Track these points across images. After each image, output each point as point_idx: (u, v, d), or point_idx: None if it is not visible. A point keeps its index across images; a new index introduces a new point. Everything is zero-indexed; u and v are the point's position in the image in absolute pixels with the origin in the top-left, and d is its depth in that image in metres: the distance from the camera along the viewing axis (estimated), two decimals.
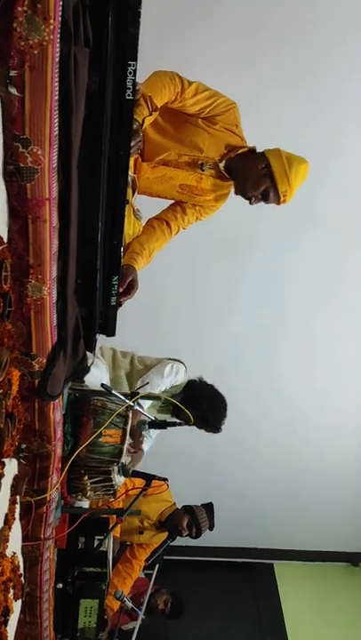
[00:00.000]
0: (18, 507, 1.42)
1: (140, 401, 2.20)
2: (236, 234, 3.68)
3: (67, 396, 1.73)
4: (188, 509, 3.27)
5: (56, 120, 0.98)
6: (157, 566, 2.78)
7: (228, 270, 3.93)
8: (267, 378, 4.34)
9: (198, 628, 4.33)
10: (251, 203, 2.20)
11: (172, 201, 2.33)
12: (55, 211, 1.10)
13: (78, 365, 1.52)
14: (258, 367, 4.29)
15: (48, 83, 0.93)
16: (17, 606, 1.45)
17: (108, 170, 1.28)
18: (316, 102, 3.37)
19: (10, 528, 1.34)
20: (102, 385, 1.88)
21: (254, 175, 2.13)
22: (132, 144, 1.64)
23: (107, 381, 2.56)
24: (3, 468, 1.20)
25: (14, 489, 1.37)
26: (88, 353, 1.56)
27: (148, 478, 2.18)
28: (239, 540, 4.97)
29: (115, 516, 2.04)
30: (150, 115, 1.92)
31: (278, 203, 2.19)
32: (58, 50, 0.92)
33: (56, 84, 0.94)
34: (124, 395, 1.90)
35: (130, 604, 2.46)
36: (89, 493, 1.85)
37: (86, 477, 1.82)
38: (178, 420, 2.35)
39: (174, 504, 3.36)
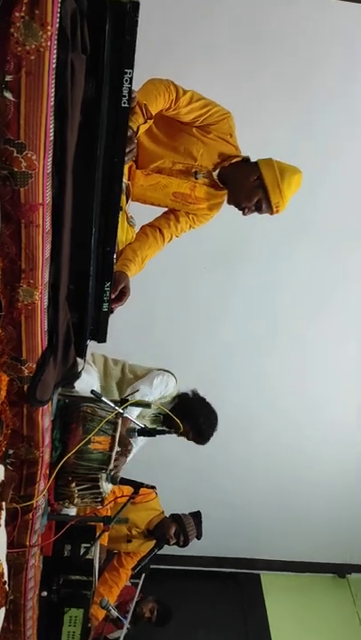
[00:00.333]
0: (4, 513, 1.41)
1: (129, 409, 2.19)
2: (228, 243, 3.69)
3: (56, 401, 1.72)
4: (175, 518, 3.26)
5: (51, 125, 0.98)
6: (144, 575, 2.76)
7: (220, 279, 3.94)
8: (258, 387, 4.34)
9: (184, 638, 4.30)
10: (244, 213, 2.21)
11: (166, 209, 2.34)
12: (48, 216, 1.10)
13: (68, 371, 1.52)
14: (249, 376, 4.30)
15: (44, 88, 0.93)
16: (0, 614, 1.44)
17: (102, 176, 1.28)
18: (312, 114, 3.41)
19: None
20: (92, 391, 1.87)
21: (247, 186, 2.14)
22: (127, 151, 1.64)
23: (97, 388, 2.55)
24: None
25: (0, 495, 1.36)
26: (78, 359, 1.55)
27: (137, 486, 2.17)
28: (226, 549, 4.95)
29: (102, 523, 2.03)
30: (145, 122, 1.93)
31: (271, 213, 2.20)
32: (55, 56, 0.92)
33: (52, 89, 0.95)
34: (113, 402, 1.89)
35: (115, 613, 2.44)
36: (76, 500, 1.84)
37: (74, 484, 1.81)
38: (167, 429, 2.34)
39: (162, 512, 3.35)
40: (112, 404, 1.86)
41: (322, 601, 5.11)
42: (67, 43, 0.95)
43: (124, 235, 2.13)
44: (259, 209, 2.18)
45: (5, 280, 1.13)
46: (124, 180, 1.98)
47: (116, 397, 2.75)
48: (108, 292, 1.53)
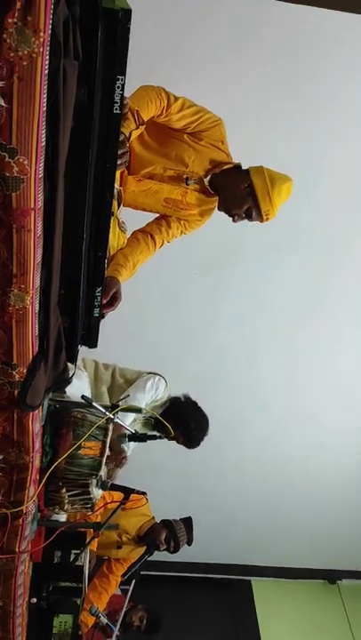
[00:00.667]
0: None
1: (122, 415, 2.19)
2: (219, 249, 3.71)
3: (47, 407, 1.71)
4: (166, 524, 3.25)
5: (43, 131, 0.99)
6: (134, 582, 2.75)
7: (211, 285, 3.95)
8: (249, 392, 4.35)
9: None
10: (234, 220, 2.22)
11: (158, 214, 2.34)
12: (40, 221, 1.10)
13: (59, 376, 1.51)
14: (241, 381, 4.30)
15: (36, 94, 0.93)
16: None
17: (93, 182, 1.28)
18: (304, 122, 3.42)
19: None
20: (83, 397, 1.87)
21: (237, 194, 2.16)
22: (119, 154, 1.65)
23: (88, 393, 2.55)
24: None
25: None
26: (69, 364, 1.55)
27: (127, 492, 2.16)
28: (217, 556, 4.95)
29: (92, 529, 2.02)
30: (137, 128, 1.94)
31: (261, 221, 2.22)
32: (47, 62, 0.92)
33: (44, 95, 0.95)
34: (104, 407, 1.89)
35: (105, 620, 2.42)
36: (66, 506, 1.83)
37: (64, 490, 1.80)
38: (158, 434, 2.34)
39: (153, 518, 3.34)
40: (103, 410, 1.86)
41: (313, 607, 5.11)
42: (59, 49, 0.96)
43: (115, 240, 2.13)
44: (249, 216, 2.20)
45: None
46: (116, 185, 1.99)
47: (107, 402, 2.76)
48: (99, 297, 1.53)
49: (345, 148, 3.52)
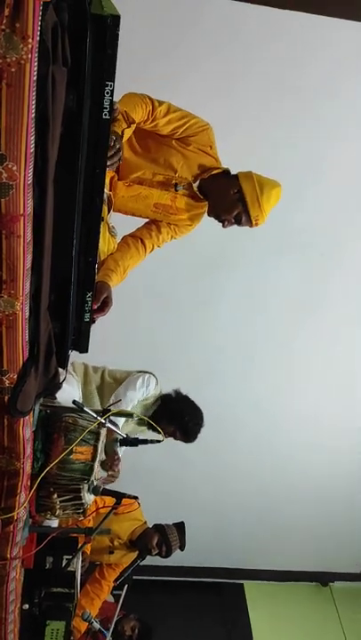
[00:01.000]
0: None
1: (114, 417, 2.19)
2: (216, 250, 3.71)
3: (37, 412, 1.71)
4: (158, 528, 3.24)
5: (32, 137, 0.99)
6: (126, 587, 2.74)
7: (208, 286, 3.96)
8: (246, 393, 4.36)
9: None
10: (224, 226, 2.23)
11: (148, 219, 2.35)
12: (30, 227, 1.10)
13: (50, 382, 1.51)
14: (238, 383, 4.31)
15: (25, 100, 0.93)
16: None
17: (83, 187, 1.29)
18: (304, 122, 3.44)
19: None
20: (74, 402, 1.87)
21: (227, 200, 2.17)
22: (112, 153, 1.65)
23: (78, 398, 2.54)
24: None
25: None
26: (60, 369, 1.55)
27: (119, 496, 2.16)
28: (209, 559, 4.94)
29: (84, 535, 2.02)
30: (128, 127, 1.94)
31: (251, 226, 2.23)
32: (36, 68, 0.93)
33: (33, 101, 0.95)
34: (95, 412, 1.89)
35: (97, 626, 2.41)
36: (58, 512, 1.83)
37: (55, 495, 1.80)
38: (149, 439, 2.34)
39: (145, 522, 3.33)
40: (94, 414, 1.86)
41: (305, 609, 5.12)
42: (48, 55, 0.96)
43: (105, 245, 2.13)
44: (238, 222, 2.21)
45: None
46: (106, 190, 1.99)
47: (97, 402, 2.76)
48: (89, 302, 1.53)
49: (345, 148, 3.54)
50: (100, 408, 2.53)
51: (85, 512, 1.91)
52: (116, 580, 3.14)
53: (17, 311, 1.18)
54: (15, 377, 1.30)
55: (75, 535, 2.14)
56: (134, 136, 2.10)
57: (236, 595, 5.08)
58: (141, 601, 3.68)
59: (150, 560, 3.13)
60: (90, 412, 1.85)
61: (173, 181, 2.20)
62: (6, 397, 1.32)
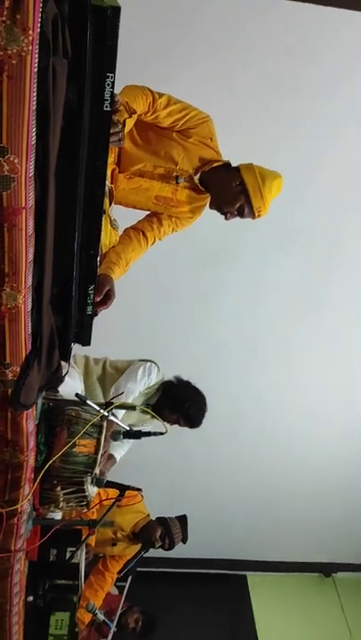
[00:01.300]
0: None
1: (115, 410, 2.19)
2: (219, 243, 3.71)
3: (40, 405, 1.71)
4: (161, 521, 3.25)
5: (33, 129, 0.99)
6: (130, 578, 2.75)
7: (210, 279, 3.96)
8: (248, 386, 4.37)
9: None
10: (226, 218, 2.23)
11: (149, 212, 2.34)
12: (31, 219, 1.10)
13: (53, 375, 1.51)
14: (239, 375, 4.32)
15: (26, 92, 0.93)
16: None
17: (85, 180, 1.28)
18: (304, 122, 3.43)
19: None
20: (77, 395, 1.87)
21: (229, 192, 2.17)
22: (113, 132, 1.63)
23: (81, 391, 2.55)
24: None
25: None
26: (63, 362, 1.55)
27: (122, 489, 2.16)
28: (212, 551, 4.96)
29: (88, 527, 2.03)
30: (130, 117, 1.93)
31: (253, 218, 2.23)
32: (36, 60, 0.92)
33: (34, 93, 0.95)
34: (98, 404, 1.89)
35: (102, 617, 2.42)
36: (61, 504, 1.84)
37: (59, 488, 1.80)
38: (153, 430, 2.34)
39: (148, 515, 3.34)
40: (97, 407, 1.86)
41: (308, 600, 5.14)
42: (48, 47, 0.96)
43: (107, 238, 2.13)
44: (241, 214, 2.21)
45: None
46: (107, 183, 1.99)
47: (99, 394, 2.76)
48: (91, 295, 1.53)
49: (345, 148, 3.54)
50: (102, 399, 2.54)
51: (89, 504, 1.91)
52: (119, 572, 3.16)
53: (19, 304, 1.18)
54: (18, 370, 1.30)
55: (78, 527, 2.15)
56: (135, 128, 2.09)
57: (239, 586, 5.10)
58: (145, 592, 3.70)
59: (153, 552, 3.14)
60: (93, 405, 1.85)
61: (174, 174, 2.19)
62: (9, 390, 1.33)
